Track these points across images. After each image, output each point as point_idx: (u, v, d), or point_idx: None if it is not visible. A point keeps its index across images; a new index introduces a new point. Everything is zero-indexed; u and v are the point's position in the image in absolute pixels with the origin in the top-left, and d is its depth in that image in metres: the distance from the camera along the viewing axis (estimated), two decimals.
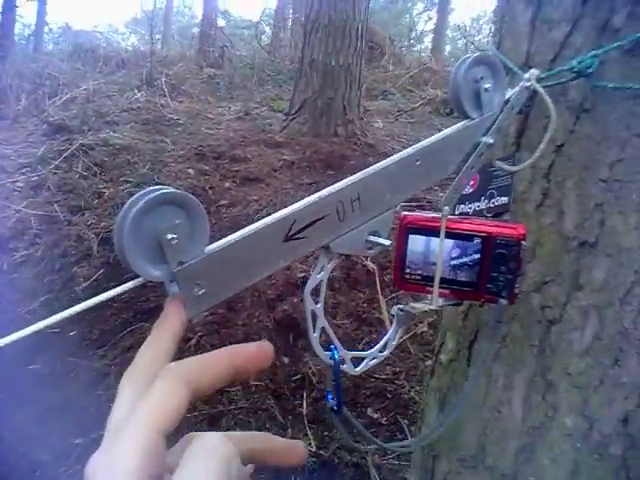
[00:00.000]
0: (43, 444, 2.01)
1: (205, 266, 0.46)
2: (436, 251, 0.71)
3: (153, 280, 0.43)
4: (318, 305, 0.61)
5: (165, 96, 5.91)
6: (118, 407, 0.36)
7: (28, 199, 3.89)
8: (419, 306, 0.75)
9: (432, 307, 0.73)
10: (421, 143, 0.63)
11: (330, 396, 0.68)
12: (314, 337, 0.62)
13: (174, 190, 0.42)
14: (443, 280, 0.72)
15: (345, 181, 0.57)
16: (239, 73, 7.30)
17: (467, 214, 0.85)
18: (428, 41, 13.44)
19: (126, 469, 0.30)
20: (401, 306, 0.76)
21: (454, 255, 0.72)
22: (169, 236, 0.43)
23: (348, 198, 0.57)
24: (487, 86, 0.66)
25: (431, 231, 0.71)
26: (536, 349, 0.74)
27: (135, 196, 0.41)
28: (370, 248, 0.63)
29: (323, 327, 0.62)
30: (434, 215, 0.72)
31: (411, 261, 0.74)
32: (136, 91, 5.93)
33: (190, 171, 4.07)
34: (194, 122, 5.20)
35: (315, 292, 0.60)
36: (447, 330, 0.91)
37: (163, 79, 6.26)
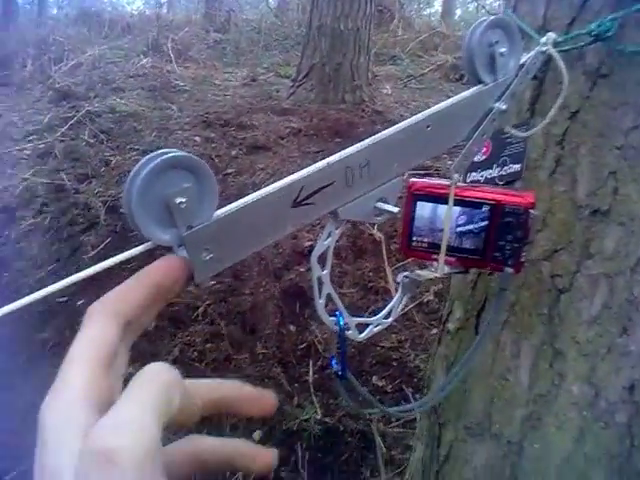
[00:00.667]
0: None
1: (214, 231, 0.46)
2: (443, 218, 0.70)
3: (162, 244, 0.43)
4: (324, 271, 0.61)
5: (171, 62, 5.83)
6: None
7: (35, 167, 3.88)
8: (424, 273, 0.74)
9: (438, 275, 0.73)
10: (432, 108, 0.62)
11: (334, 361, 0.69)
12: (320, 303, 0.62)
13: (183, 153, 0.41)
14: (449, 248, 0.71)
15: (354, 147, 0.56)
16: (246, 38, 7.19)
17: (478, 182, 0.84)
18: (438, 5, 13.15)
19: (71, 399, 0.30)
20: (406, 273, 0.76)
21: (461, 222, 0.72)
22: (178, 200, 0.42)
23: (357, 164, 0.56)
24: (502, 50, 0.64)
25: (439, 198, 0.71)
26: (545, 317, 0.74)
27: (144, 159, 0.41)
28: (378, 215, 0.61)
29: (329, 293, 0.62)
30: (442, 182, 0.71)
31: (418, 228, 0.74)
32: (142, 57, 5.86)
33: (197, 139, 4.05)
34: (200, 88, 5.14)
35: (322, 259, 0.59)
36: (455, 299, 0.91)
37: (169, 44, 6.17)
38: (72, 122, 4.29)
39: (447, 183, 0.69)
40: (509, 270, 0.70)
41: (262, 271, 2.53)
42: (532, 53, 0.68)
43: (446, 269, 0.73)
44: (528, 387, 0.75)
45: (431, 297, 2.47)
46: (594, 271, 0.70)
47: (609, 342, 0.69)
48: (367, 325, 0.71)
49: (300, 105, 4.50)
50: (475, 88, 0.65)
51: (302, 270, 2.50)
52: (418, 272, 0.75)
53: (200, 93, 5.01)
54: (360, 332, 0.69)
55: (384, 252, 2.66)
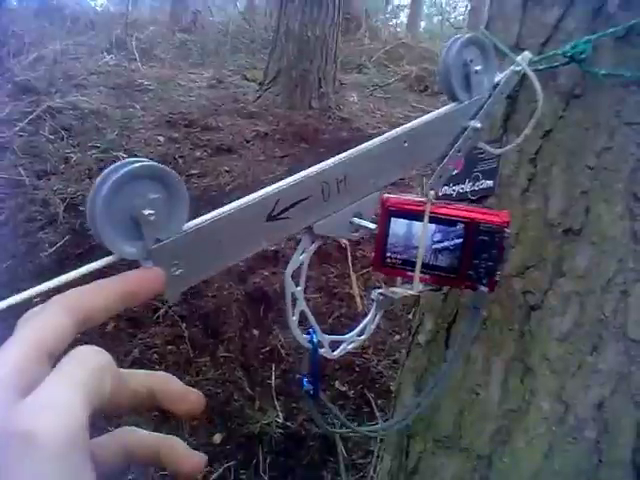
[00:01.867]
0: None
1: (184, 244, 0.44)
2: (418, 235, 0.70)
3: (128, 257, 0.41)
4: (298, 288, 0.60)
5: (136, 60, 5.74)
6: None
7: None
8: (399, 291, 0.74)
9: (412, 292, 0.72)
10: (409, 124, 0.62)
11: (305, 380, 0.68)
12: (293, 320, 0.61)
13: (152, 163, 0.40)
14: (424, 265, 0.71)
15: (331, 160, 0.56)
16: (212, 39, 7.14)
17: (450, 196, 0.85)
18: (404, 16, 13.34)
19: None
20: (381, 290, 0.75)
21: (436, 240, 0.71)
22: (146, 211, 0.40)
23: (334, 178, 0.56)
24: (477, 68, 0.65)
25: (414, 215, 0.71)
26: (516, 333, 0.75)
27: (111, 167, 0.39)
28: (354, 231, 0.61)
29: (302, 310, 0.61)
30: (417, 198, 0.71)
31: (392, 244, 0.73)
32: (105, 54, 5.75)
33: (160, 139, 3.99)
34: (165, 88, 5.08)
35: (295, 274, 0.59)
36: (426, 311, 0.91)
37: (134, 42, 6.08)
38: (32, 117, 4.17)
39: (422, 199, 0.69)
40: (483, 289, 0.70)
41: (226, 273, 2.50)
42: (507, 72, 0.69)
43: (421, 287, 0.73)
44: (498, 402, 0.75)
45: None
46: (566, 289, 0.71)
47: (579, 359, 0.70)
48: (340, 342, 0.70)
49: (267, 109, 4.49)
50: (450, 105, 0.66)
51: (266, 274, 2.48)
52: (393, 289, 0.74)
53: (164, 93, 4.94)
54: (333, 350, 0.68)
55: (349, 258, 2.67)
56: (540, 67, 0.72)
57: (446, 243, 0.71)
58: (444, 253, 0.71)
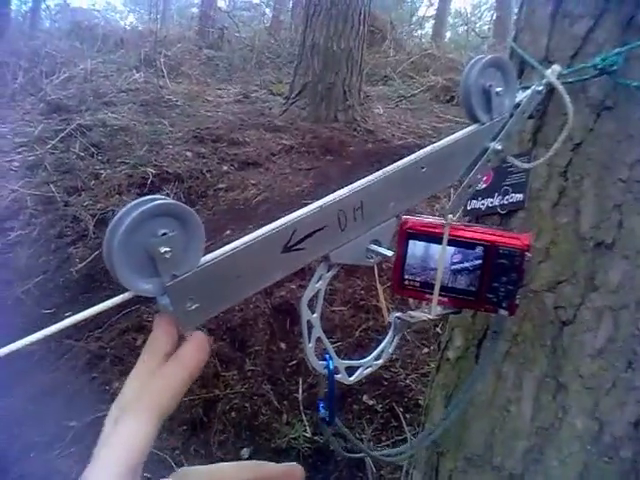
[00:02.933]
0: (38, 426, 2.01)
1: (199, 279, 0.44)
2: (436, 257, 0.70)
3: (144, 295, 0.41)
4: (314, 315, 0.60)
5: (164, 77, 5.84)
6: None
7: (24, 179, 3.85)
8: (417, 315, 0.74)
9: (431, 316, 0.72)
10: (427, 149, 0.61)
11: (322, 405, 0.67)
12: (309, 347, 0.60)
13: (169, 201, 0.40)
14: (442, 288, 0.71)
15: (348, 189, 0.55)
16: (238, 55, 7.23)
17: (480, 210, 0.84)
18: (429, 27, 13.34)
19: None
20: (399, 314, 0.74)
21: (455, 261, 0.71)
22: (163, 249, 0.41)
23: (351, 207, 0.55)
24: (498, 90, 0.65)
25: (432, 237, 0.70)
26: (548, 349, 0.74)
27: (129, 205, 0.40)
28: (371, 257, 0.60)
29: (319, 337, 0.61)
30: (435, 220, 0.71)
31: (410, 266, 0.73)
32: (134, 71, 5.87)
33: (188, 154, 4.04)
34: (192, 104, 5.15)
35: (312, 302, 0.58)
36: (455, 326, 0.90)
37: (162, 59, 6.19)
38: (63, 135, 4.27)
39: (440, 222, 0.69)
40: (503, 312, 0.69)
41: None
42: (528, 92, 0.68)
43: (439, 310, 0.73)
44: (530, 419, 0.74)
45: None
46: (598, 304, 0.70)
47: (614, 376, 0.69)
48: (357, 367, 0.70)
49: (292, 123, 4.52)
50: (471, 127, 0.65)
51: (293, 287, 2.48)
52: (411, 313, 0.74)
53: (192, 109, 5.01)
54: (350, 375, 0.67)
55: (376, 272, 2.66)
56: (570, 80, 0.71)
57: (465, 265, 0.71)
58: (463, 275, 0.71)
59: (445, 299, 0.72)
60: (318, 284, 0.59)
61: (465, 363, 0.85)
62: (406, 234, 0.72)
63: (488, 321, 0.80)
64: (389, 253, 0.60)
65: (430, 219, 0.72)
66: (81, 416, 1.99)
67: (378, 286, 2.58)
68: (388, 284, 2.63)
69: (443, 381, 0.90)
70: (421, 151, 0.61)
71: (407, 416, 2.00)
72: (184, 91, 5.55)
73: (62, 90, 5.35)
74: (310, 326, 0.60)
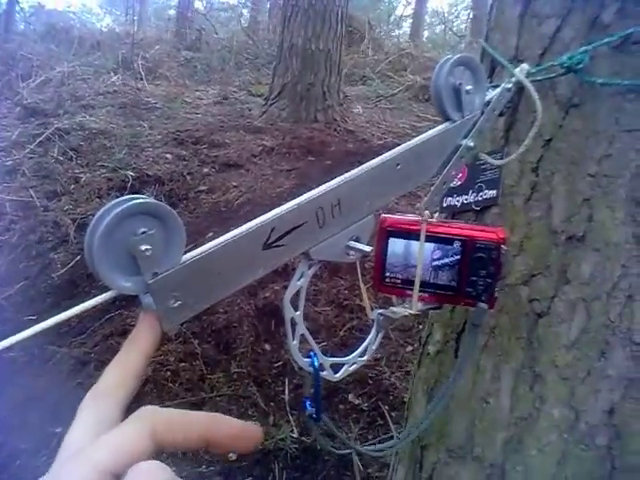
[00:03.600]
0: (22, 433, 1.99)
1: (181, 277, 0.45)
2: (416, 254, 0.71)
3: (126, 293, 0.42)
4: (297, 312, 0.61)
5: (142, 79, 5.82)
6: (76, 428, 0.36)
7: (3, 184, 3.82)
8: (399, 310, 0.74)
9: (412, 312, 0.73)
10: (401, 146, 0.63)
11: (308, 403, 0.68)
12: (293, 344, 0.61)
13: (148, 200, 0.41)
14: (423, 284, 0.72)
15: (325, 186, 0.56)
16: (217, 56, 7.22)
17: (455, 207, 0.86)
18: (407, 26, 13.41)
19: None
20: (381, 310, 0.75)
21: (435, 258, 0.72)
22: (143, 247, 0.41)
23: (328, 204, 0.56)
24: (468, 88, 0.66)
25: (411, 234, 0.71)
26: (524, 341, 0.76)
27: (108, 205, 0.40)
28: (351, 254, 0.62)
29: (302, 334, 0.62)
30: (414, 218, 0.72)
31: (391, 264, 0.74)
32: (112, 74, 5.83)
33: (168, 156, 4.03)
34: (172, 106, 5.14)
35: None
36: (434, 321, 0.92)
37: (140, 62, 6.16)
38: (41, 139, 4.24)
39: (418, 219, 0.70)
40: (483, 305, 0.71)
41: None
42: (498, 90, 0.70)
43: (420, 306, 0.74)
44: (509, 410, 0.76)
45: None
46: (572, 296, 0.72)
47: (588, 366, 0.70)
48: (342, 364, 0.70)
49: (272, 124, 4.53)
50: (443, 125, 0.67)
51: (277, 288, 2.49)
52: (393, 309, 0.75)
53: (171, 111, 5.00)
54: (335, 372, 0.68)
55: (359, 270, 2.66)
56: (538, 78, 0.73)
57: (445, 261, 0.72)
58: (443, 271, 0.72)
59: (426, 295, 0.73)
60: (300, 282, 0.59)
61: (445, 357, 0.86)
62: (386, 232, 0.73)
63: (466, 315, 0.81)
64: (367, 249, 0.61)
65: (409, 217, 0.73)
66: (67, 422, 1.97)
67: (361, 285, 2.59)
68: (371, 283, 2.65)
69: (424, 375, 0.92)
70: (396, 149, 0.62)
71: (393, 414, 2.01)
72: (163, 93, 5.53)
73: (39, 94, 5.30)
74: (294, 323, 0.61)
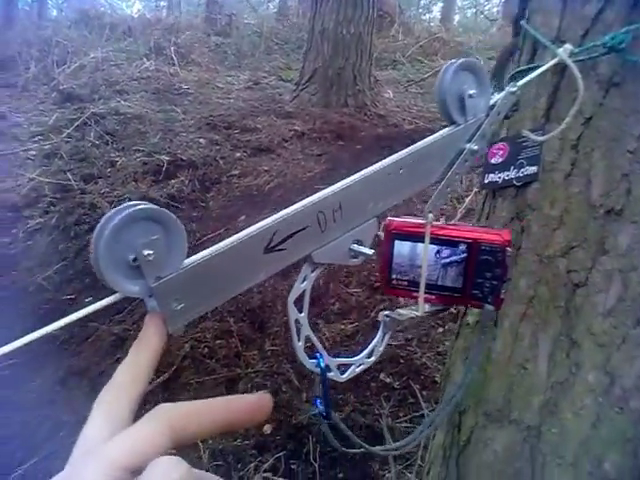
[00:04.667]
0: (65, 407, 2.07)
1: (183, 280, 0.46)
2: (422, 256, 0.71)
3: (131, 295, 0.43)
4: (302, 314, 0.61)
5: (174, 65, 5.89)
6: (91, 424, 0.37)
7: (42, 167, 3.92)
8: (405, 313, 0.75)
9: (418, 314, 0.74)
10: (405, 151, 0.63)
11: (318, 401, 0.68)
12: (299, 346, 0.62)
13: (150, 206, 0.43)
14: (429, 286, 0.73)
15: (326, 191, 0.56)
16: (247, 42, 7.25)
17: (496, 183, 0.89)
18: (437, 10, 13.25)
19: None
20: (388, 312, 0.76)
21: (442, 259, 0.73)
22: (145, 252, 0.43)
23: (330, 208, 0.56)
24: (471, 92, 0.67)
25: (417, 237, 0.72)
26: (561, 310, 0.79)
27: (111, 212, 0.41)
28: (354, 257, 0.62)
29: (307, 335, 0.62)
30: (420, 221, 0.72)
31: (398, 265, 0.74)
32: (145, 60, 5.91)
33: (201, 141, 4.09)
34: (204, 91, 5.20)
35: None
36: None
37: (172, 48, 6.23)
38: (78, 123, 4.33)
39: (424, 221, 0.70)
40: (489, 307, 0.72)
41: None
42: (502, 94, 0.70)
43: (427, 307, 0.75)
44: (546, 375, 0.79)
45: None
46: (608, 267, 0.75)
47: (624, 333, 0.74)
48: (349, 365, 0.70)
49: (303, 108, 4.56)
50: (447, 129, 0.67)
51: None
52: (399, 311, 0.76)
53: (203, 96, 5.06)
54: (342, 373, 0.69)
55: None
56: (581, 58, 0.76)
57: (450, 263, 0.73)
58: (449, 273, 0.73)
59: (432, 297, 0.74)
60: (303, 284, 0.60)
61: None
62: (392, 235, 0.73)
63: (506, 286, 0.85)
64: (370, 252, 0.61)
65: (415, 219, 0.73)
66: None
67: None
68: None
69: (463, 345, 0.96)
70: (399, 153, 0.62)
71: (424, 393, 2.05)
72: (195, 78, 5.60)
73: (74, 79, 5.41)
74: (298, 325, 0.61)
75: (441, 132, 0.67)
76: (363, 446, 0.79)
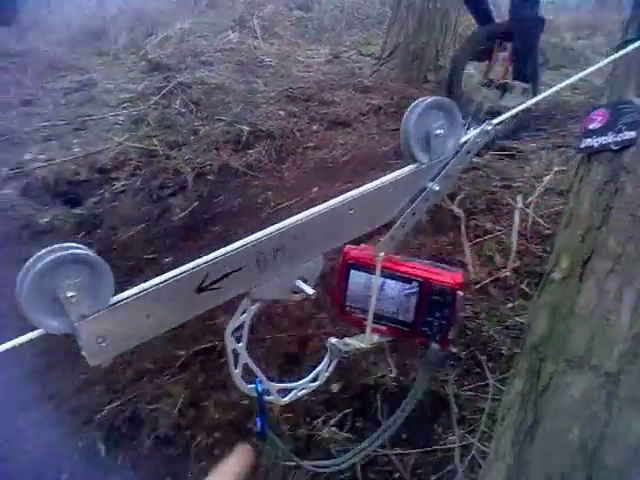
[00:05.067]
0: (149, 355, 2.23)
1: (109, 319, 0.47)
2: (371, 291, 0.73)
3: (53, 332, 0.45)
4: (240, 344, 0.63)
5: (257, 38, 6.00)
6: None
7: (129, 132, 4.14)
8: (352, 342, 0.77)
9: (364, 345, 0.76)
10: (356, 191, 0.62)
11: (258, 420, 0.71)
12: (236, 373, 0.65)
13: (78, 251, 0.44)
14: (381, 317, 0.75)
15: (266, 231, 0.56)
16: (328, 16, 7.26)
17: (592, 148, 0.94)
18: None
19: None
20: (334, 341, 0.78)
21: (393, 294, 0.74)
22: (68, 294, 0.44)
23: (269, 249, 0.56)
24: (438, 132, 0.65)
25: (372, 269, 0.73)
26: None
27: (42, 251, 0.43)
28: (295, 293, 0.63)
29: (246, 363, 0.65)
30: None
31: (352, 293, 0.76)
32: (230, 32, 6.05)
33: (281, 112, 4.19)
34: (285, 64, 5.28)
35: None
36: (562, 251, 1.00)
37: (255, 21, 6.34)
38: (164, 92, 4.52)
39: (381, 255, 0.72)
40: (435, 346, 0.75)
41: None
42: (475, 132, 0.68)
43: (375, 338, 0.77)
44: (628, 326, 0.84)
45: (508, 273, 2.52)
46: None
47: None
48: (292, 389, 0.74)
49: (382, 83, 4.57)
50: (408, 168, 0.66)
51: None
52: (346, 340, 0.78)
53: (284, 69, 5.15)
54: (284, 396, 0.73)
55: (463, 228, 2.72)
56: None
57: (402, 298, 0.73)
58: (401, 307, 0.74)
59: (384, 328, 0.76)
60: (242, 317, 0.61)
61: (570, 281, 0.96)
62: (347, 265, 0.75)
63: (594, 244, 0.90)
64: (311, 292, 0.63)
65: (372, 251, 0.75)
66: (187, 346, 2.21)
67: (464, 242, 2.64)
68: (475, 240, 2.69)
69: (548, 300, 1.01)
70: (349, 193, 0.61)
71: (489, 364, 2.08)
72: (276, 51, 5.69)
73: (161, 49, 5.61)
74: (236, 354, 0.63)
75: (401, 171, 0.65)
76: (297, 462, 0.81)
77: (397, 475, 1.68)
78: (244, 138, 3.87)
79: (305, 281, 0.63)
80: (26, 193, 3.52)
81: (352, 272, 0.76)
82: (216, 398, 1.96)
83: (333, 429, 1.83)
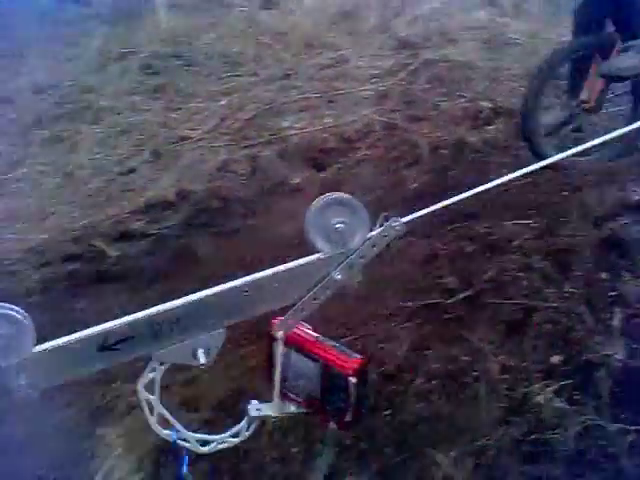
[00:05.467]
0: (382, 305, 2.38)
1: (29, 365, 0.58)
2: (296, 362, 0.76)
3: None
4: (153, 397, 0.70)
5: (506, 16, 5.88)
6: None
7: (375, 106, 4.41)
8: (265, 410, 0.81)
9: (273, 414, 0.79)
10: (251, 276, 0.67)
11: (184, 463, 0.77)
12: (152, 420, 0.72)
13: (5, 311, 0.54)
14: (298, 389, 0.77)
15: (162, 306, 0.64)
16: None
17: None
18: None
19: None
20: (250, 406, 0.82)
21: (303, 370, 0.76)
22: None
23: (165, 321, 0.64)
24: (338, 226, 0.69)
25: (291, 344, 0.76)
26: None
27: None
28: (197, 359, 0.69)
29: (160, 413, 0.71)
30: (299, 330, 0.76)
31: (275, 362, 0.78)
32: (479, 10, 6.02)
33: (523, 90, 4.11)
34: (533, 42, 5.12)
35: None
36: None
37: None
38: (410, 68, 4.71)
39: (306, 331, 0.76)
40: (333, 425, 0.76)
41: (582, 217, 2.57)
42: (380, 229, 0.73)
43: (292, 408, 0.80)
44: None
45: None
46: None
47: None
48: (213, 441, 0.79)
49: None
50: (309, 258, 0.71)
51: (624, 222, 2.47)
52: (261, 406, 0.81)
53: (532, 47, 4.99)
54: (203, 445, 0.78)
55: None
56: None
57: (312, 375, 0.76)
58: (312, 383, 0.76)
59: (299, 400, 0.79)
60: (152, 374, 0.69)
61: None
62: (270, 337, 0.78)
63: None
64: (203, 362, 0.68)
65: (299, 326, 0.77)
66: (415, 299, 2.35)
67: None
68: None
69: None
70: (244, 278, 0.67)
71: None
72: (526, 29, 5.51)
73: (409, 28, 5.80)
74: (151, 406, 0.71)
75: (300, 260, 0.71)
76: None
77: (611, 450, 1.65)
78: (483, 114, 3.90)
79: (208, 349, 0.70)
80: (282, 156, 3.97)
81: (274, 344, 0.81)
82: (436, 349, 2.09)
83: (550, 396, 1.84)
